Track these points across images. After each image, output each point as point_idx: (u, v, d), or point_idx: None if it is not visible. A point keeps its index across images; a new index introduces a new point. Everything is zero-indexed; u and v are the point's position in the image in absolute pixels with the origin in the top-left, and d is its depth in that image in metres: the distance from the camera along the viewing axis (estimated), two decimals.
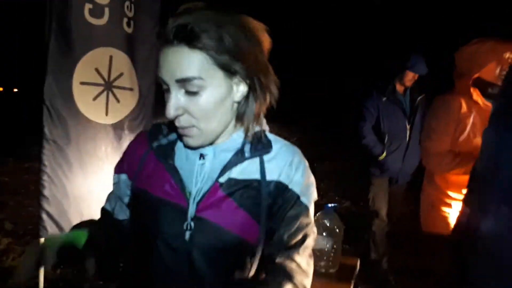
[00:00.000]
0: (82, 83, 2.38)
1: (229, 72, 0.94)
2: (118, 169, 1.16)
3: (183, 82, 0.92)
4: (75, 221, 2.46)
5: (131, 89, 2.63)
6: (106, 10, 2.42)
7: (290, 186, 1.04)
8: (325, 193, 6.01)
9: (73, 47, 2.33)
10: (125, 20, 2.51)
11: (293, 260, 1.04)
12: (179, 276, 1.02)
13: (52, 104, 2.28)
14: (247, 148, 1.04)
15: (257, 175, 1.03)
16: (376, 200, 3.49)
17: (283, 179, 1.04)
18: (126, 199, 1.15)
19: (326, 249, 1.78)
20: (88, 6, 2.35)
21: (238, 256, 1.03)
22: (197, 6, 0.93)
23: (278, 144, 1.08)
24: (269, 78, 1.00)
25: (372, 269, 3.50)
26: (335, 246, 1.78)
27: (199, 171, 1.03)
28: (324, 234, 1.78)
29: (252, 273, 1.06)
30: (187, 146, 1.03)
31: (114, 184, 1.17)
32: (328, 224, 1.79)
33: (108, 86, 2.48)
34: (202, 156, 1.04)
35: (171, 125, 1.03)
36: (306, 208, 1.06)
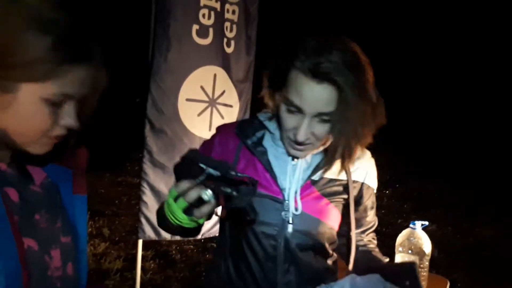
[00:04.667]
0: (188, 100, 2.52)
1: None
2: None
3: (322, 114, 1.03)
4: None
5: (231, 106, 2.73)
6: (211, 30, 2.56)
7: (368, 183, 1.25)
8: (408, 215, 5.75)
9: (180, 65, 2.48)
10: (225, 40, 2.64)
11: (374, 237, 1.35)
12: (272, 259, 1.15)
13: (154, 119, 2.44)
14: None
15: (343, 176, 1.20)
16: None
17: (363, 177, 1.24)
18: None
19: None
20: (195, 27, 2.51)
21: (326, 242, 1.21)
22: (337, 46, 1.00)
23: None
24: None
25: None
26: (421, 266, 1.68)
27: (291, 171, 1.15)
28: (410, 252, 1.69)
29: (330, 254, 1.25)
30: (292, 155, 1.15)
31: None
32: (415, 242, 1.70)
33: (212, 102, 2.60)
34: (294, 157, 1.15)
35: (259, 123, 1.19)
36: (375, 194, 1.30)
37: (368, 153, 1.27)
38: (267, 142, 1.19)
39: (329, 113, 1.03)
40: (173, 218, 0.94)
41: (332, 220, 1.20)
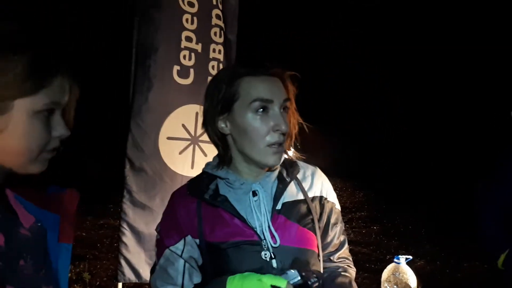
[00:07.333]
0: (169, 138, 2.52)
1: None
2: (178, 235, 1.16)
3: (285, 100, 1.16)
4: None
5: None
6: (191, 71, 2.60)
7: (326, 196, 1.26)
8: (396, 250, 5.71)
9: (161, 105, 2.50)
10: (210, 79, 2.66)
11: (344, 258, 1.28)
12: None
13: (134, 157, 2.43)
14: (284, 172, 1.21)
15: (300, 195, 1.21)
16: None
17: (320, 191, 1.25)
18: (200, 260, 1.16)
19: None
20: (176, 67, 2.56)
21: (311, 265, 1.17)
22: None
23: (299, 162, 1.27)
24: None
25: None
26: None
27: (255, 207, 1.15)
28: (395, 287, 1.66)
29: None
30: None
31: (181, 251, 1.15)
32: (400, 277, 1.67)
33: (195, 140, 2.61)
34: (254, 193, 1.17)
35: (208, 176, 1.20)
36: (340, 212, 1.30)
37: (317, 169, 1.30)
38: (223, 189, 1.19)
39: (288, 99, 1.15)
40: None
41: (310, 244, 1.18)
